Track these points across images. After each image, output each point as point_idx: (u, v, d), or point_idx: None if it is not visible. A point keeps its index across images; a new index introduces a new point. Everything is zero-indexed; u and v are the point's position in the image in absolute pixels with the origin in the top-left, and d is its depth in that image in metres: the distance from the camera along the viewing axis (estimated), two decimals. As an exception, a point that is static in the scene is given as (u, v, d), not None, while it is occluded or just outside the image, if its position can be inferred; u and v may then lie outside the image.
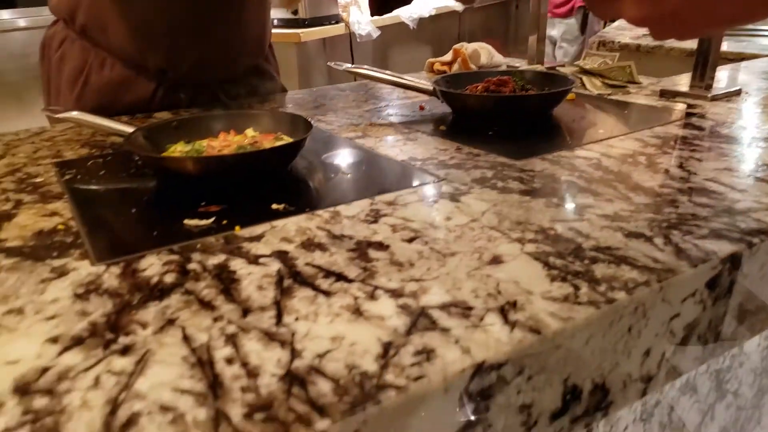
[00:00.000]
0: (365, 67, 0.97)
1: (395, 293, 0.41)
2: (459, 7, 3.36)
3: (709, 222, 0.50)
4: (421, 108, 0.96)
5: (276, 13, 2.46)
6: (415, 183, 0.62)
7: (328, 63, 1.03)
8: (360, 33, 2.57)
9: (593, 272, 0.43)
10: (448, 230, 0.51)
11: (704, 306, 0.45)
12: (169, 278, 0.43)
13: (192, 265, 0.45)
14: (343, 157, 0.73)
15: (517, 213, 0.54)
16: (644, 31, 1.84)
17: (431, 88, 0.89)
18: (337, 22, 2.56)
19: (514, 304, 0.39)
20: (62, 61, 0.99)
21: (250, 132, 0.75)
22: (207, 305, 0.40)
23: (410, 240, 0.49)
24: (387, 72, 0.95)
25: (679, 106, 0.88)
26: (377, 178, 0.66)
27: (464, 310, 0.39)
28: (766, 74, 1.12)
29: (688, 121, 0.80)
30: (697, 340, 0.46)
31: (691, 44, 1.08)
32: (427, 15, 3.04)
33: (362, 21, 2.59)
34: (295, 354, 0.34)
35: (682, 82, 1.00)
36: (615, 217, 0.52)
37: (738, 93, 0.93)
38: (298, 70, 2.42)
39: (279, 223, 0.53)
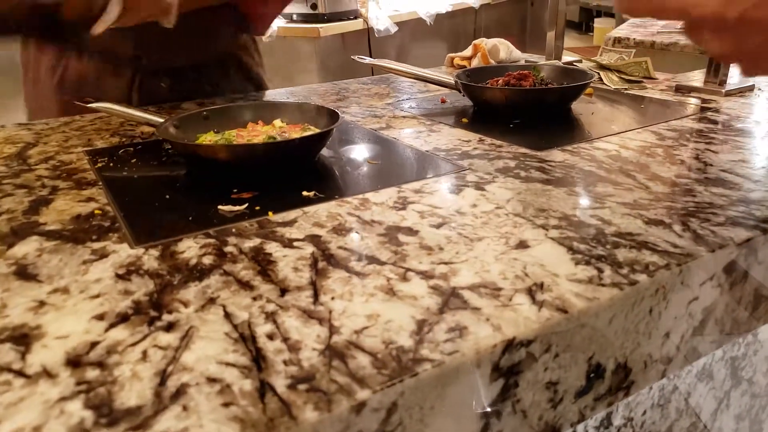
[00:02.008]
0: (387, 61, 0.99)
1: (426, 275, 0.43)
2: (475, 3, 3.37)
3: (726, 210, 0.51)
4: (443, 101, 0.97)
5: (295, 8, 2.49)
6: (441, 172, 0.65)
7: (352, 56, 1.05)
8: (378, 28, 2.58)
9: (615, 256, 0.45)
10: (475, 216, 0.53)
11: (722, 290, 0.47)
12: (208, 260, 0.46)
13: (228, 248, 0.48)
14: (369, 147, 0.75)
15: (540, 201, 0.56)
16: (659, 27, 1.84)
17: (453, 81, 0.91)
18: (355, 18, 2.58)
19: (541, 286, 0.41)
20: (40, 51, 1.01)
21: (278, 123, 0.77)
22: (246, 285, 0.42)
23: (438, 226, 0.51)
24: (409, 66, 0.97)
25: (694, 101, 0.89)
26: (403, 167, 0.68)
27: (493, 290, 0.41)
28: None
29: (703, 116, 0.81)
30: (715, 323, 0.48)
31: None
32: (444, 11, 3.05)
33: (380, 16, 2.61)
34: (333, 330, 0.37)
35: (697, 78, 1.01)
36: (635, 205, 0.54)
37: (751, 89, 0.94)
38: (318, 64, 2.45)
39: (310, 209, 0.55)
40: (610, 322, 0.41)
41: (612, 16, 6.09)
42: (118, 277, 0.45)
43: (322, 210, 0.55)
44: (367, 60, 1.01)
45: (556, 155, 0.68)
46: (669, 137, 0.73)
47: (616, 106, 0.91)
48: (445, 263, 0.45)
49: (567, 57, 1.24)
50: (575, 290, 0.40)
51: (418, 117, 0.88)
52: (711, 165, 0.63)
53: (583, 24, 7.05)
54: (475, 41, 1.21)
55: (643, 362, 0.44)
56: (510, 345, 0.36)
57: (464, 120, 0.85)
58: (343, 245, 0.48)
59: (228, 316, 0.39)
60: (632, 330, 0.42)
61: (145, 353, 0.35)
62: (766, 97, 0.90)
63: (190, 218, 0.54)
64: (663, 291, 0.43)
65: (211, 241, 0.49)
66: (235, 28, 1.08)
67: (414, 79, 0.99)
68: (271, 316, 0.38)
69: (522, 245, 0.47)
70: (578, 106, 0.90)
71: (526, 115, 0.84)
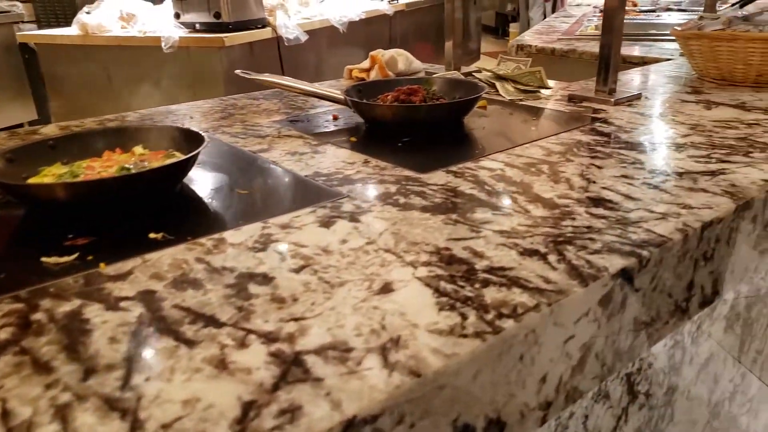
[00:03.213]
0: (273, 75, 0.93)
1: (269, 337, 0.37)
2: (389, 10, 3.35)
3: (603, 235, 0.49)
4: (335, 118, 0.92)
5: (197, 17, 2.36)
6: (316, 201, 0.59)
7: (236, 71, 0.97)
8: (288, 37, 2.50)
9: (483, 297, 0.41)
10: (342, 255, 0.48)
11: (599, 324, 0.44)
12: (4, 334, 0.38)
13: (37, 315, 0.40)
14: (242, 174, 0.69)
15: (414, 232, 0.51)
16: (559, 34, 1.88)
17: (342, 97, 0.86)
18: (263, 26, 2.49)
19: (397, 341, 0.36)
20: None
21: (138, 150, 0.69)
22: (42, 367, 0.34)
23: (299, 269, 0.46)
24: (296, 80, 0.91)
25: (585, 111, 0.89)
26: (275, 197, 0.62)
27: (343, 353, 0.35)
28: (665, 78, 1.15)
29: (592, 127, 0.81)
30: (595, 359, 0.45)
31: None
32: (356, 18, 3.01)
33: (289, 25, 2.53)
34: (136, 426, 0.30)
35: (591, 86, 1.01)
36: (512, 233, 0.50)
37: (639, 97, 0.95)
38: (224, 75, 2.33)
39: (153, 256, 0.48)
40: (475, 377, 0.36)
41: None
42: None
43: (166, 256, 0.48)
44: (251, 75, 0.94)
45: (440, 177, 0.64)
46: (556, 152, 0.71)
47: (508, 119, 0.89)
48: (296, 319, 0.39)
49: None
50: (434, 344, 0.36)
51: (305, 136, 0.83)
52: (594, 182, 0.61)
53: (500, 29, 7.26)
54: (372, 53, 1.17)
55: (518, 413, 0.40)
56: (351, 425, 0.31)
57: (353, 139, 0.80)
58: (179, 303, 0.41)
59: (5, 414, 0.31)
60: (502, 381, 0.38)
61: None
62: (652, 105, 0.91)
63: (3, 276, 0.46)
64: (534, 335, 0.39)
65: (18, 306, 0.41)
66: None
67: (302, 94, 0.93)
68: (60, 412, 0.31)
69: (386, 289, 0.42)
70: (471, 120, 0.87)
71: (415, 132, 0.80)
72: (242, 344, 0.36)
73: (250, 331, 0.38)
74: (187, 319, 0.39)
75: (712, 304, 0.58)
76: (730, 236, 0.55)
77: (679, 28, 1.10)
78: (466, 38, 4.97)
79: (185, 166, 0.62)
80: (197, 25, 2.36)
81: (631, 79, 1.11)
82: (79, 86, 2.54)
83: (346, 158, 0.72)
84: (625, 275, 0.45)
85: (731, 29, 1.04)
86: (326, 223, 0.54)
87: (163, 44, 2.25)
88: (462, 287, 0.42)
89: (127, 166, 0.63)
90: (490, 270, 0.44)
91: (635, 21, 2.05)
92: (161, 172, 0.60)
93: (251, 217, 0.56)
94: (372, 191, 0.61)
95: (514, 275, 0.43)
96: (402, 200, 0.58)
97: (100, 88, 2.52)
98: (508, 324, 0.38)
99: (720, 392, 0.91)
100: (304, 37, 2.51)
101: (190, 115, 0.98)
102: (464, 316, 0.39)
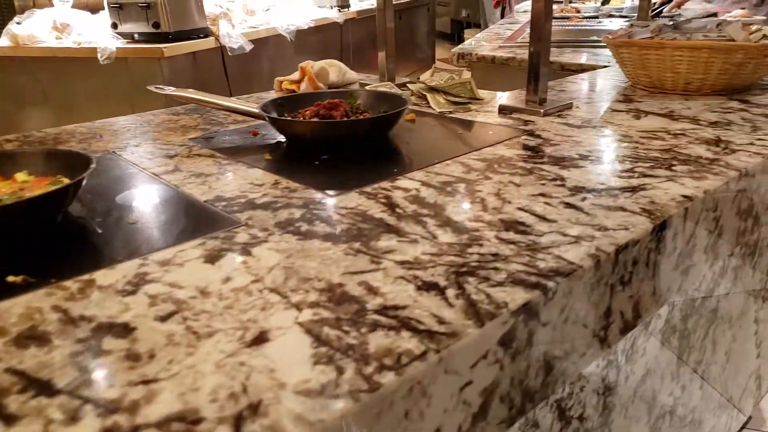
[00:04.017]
0: (187, 90, 0.87)
1: (109, 407, 0.32)
2: (339, 18, 3.31)
3: (510, 263, 0.45)
4: (255, 134, 0.87)
5: (135, 27, 2.27)
6: (208, 231, 0.54)
7: (148, 87, 0.91)
8: (231, 47, 2.43)
9: (367, 345, 0.36)
10: (220, 298, 0.42)
11: (501, 365, 0.40)
12: None
13: None
14: (137, 200, 0.63)
15: (309, 266, 0.46)
16: (501, 42, 1.87)
17: (259, 112, 0.81)
18: (206, 36, 2.41)
19: (256, 408, 0.31)
20: None
21: (21, 176, 0.62)
22: None
23: (167, 317, 0.40)
24: (211, 95, 0.86)
25: (514, 123, 0.86)
26: (165, 227, 0.56)
27: (189, 425, 0.30)
28: (600, 86, 1.14)
29: (518, 140, 0.78)
30: (500, 402, 0.41)
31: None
32: (305, 26, 2.96)
33: (233, 34, 2.46)
34: None
35: (523, 96, 0.99)
36: (414, 264, 0.46)
37: (570, 106, 0.93)
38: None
39: (4, 305, 0.42)
40: (348, 443, 0.32)
41: (478, 26, 6.35)
42: None
43: (19, 305, 0.42)
44: (166, 90, 0.88)
45: (351, 199, 0.60)
46: (476, 169, 0.67)
47: (435, 133, 0.86)
48: (147, 381, 0.34)
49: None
50: (298, 409, 0.31)
51: (217, 155, 0.77)
52: (509, 202, 0.57)
53: (455, 35, 7.32)
54: (302, 64, 1.12)
55: (409, 473, 0.36)
56: None
57: (267, 157, 0.75)
58: (15, 365, 0.35)
59: None
60: (384, 443, 0.34)
61: None
62: (581, 115, 0.89)
63: None
64: (420, 387, 0.35)
65: None
66: None
67: (218, 109, 0.88)
68: None
69: (260, 339, 0.37)
70: (398, 134, 0.83)
71: (336, 149, 0.75)
72: (73, 418, 0.31)
73: (87, 400, 0.32)
74: (17, 387, 0.33)
75: (634, 329, 0.56)
76: (648, 258, 0.52)
77: (610, 36, 1.09)
78: (418, 46, 4.98)
79: (62, 195, 0.56)
80: (136, 36, 2.27)
81: (564, 88, 1.09)
82: (11, 100, 2.41)
83: (256, 179, 0.67)
84: (529, 310, 0.41)
85: (660, 37, 1.03)
86: (213, 257, 0.49)
87: (99, 55, 2.15)
88: (347, 333, 0.38)
89: (2, 196, 0.56)
90: (382, 310, 0.40)
91: (578, 27, 2.07)
92: (35, 203, 0.54)
93: (132, 252, 0.50)
94: (275, 217, 0.56)
95: (406, 315, 0.39)
96: (304, 227, 0.54)
97: (34, 101, 2.40)
98: (387, 378, 0.33)
99: (660, 408, 0.89)
100: (248, 47, 2.44)
101: (100, 133, 0.91)
102: (341, 371, 0.34)
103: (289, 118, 0.81)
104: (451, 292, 0.42)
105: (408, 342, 0.36)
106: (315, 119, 0.78)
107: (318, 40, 3.22)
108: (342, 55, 3.52)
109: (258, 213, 0.57)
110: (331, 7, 3.40)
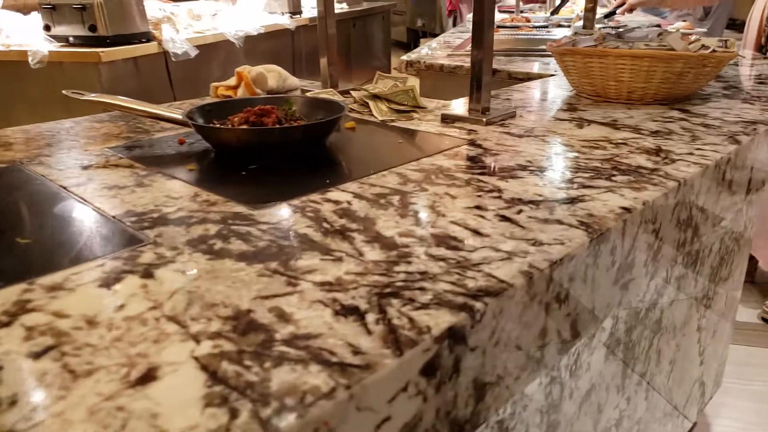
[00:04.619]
0: (107, 96, 0.81)
1: (-59, 470, 0.26)
2: (291, 24, 3.26)
3: (437, 282, 0.42)
4: (181, 142, 0.81)
5: (71, 30, 2.16)
6: (110, 251, 0.48)
7: (64, 91, 0.84)
8: (175, 52, 2.34)
9: (269, 383, 0.32)
10: (110, 328, 0.37)
11: (424, 397, 0.37)
12: None
13: None
14: (35, 216, 0.57)
15: (217, 290, 0.42)
16: (450, 50, 1.86)
17: (184, 119, 0.75)
18: (148, 41, 2.31)
19: (125, 464, 0.27)
20: None
21: None
22: None
23: (41, 353, 0.35)
24: (133, 100, 0.80)
25: (456, 133, 0.83)
26: (61, 246, 0.50)
27: (36, 490, 0.25)
28: (545, 94, 1.14)
29: (458, 150, 0.75)
30: (425, 437, 0.38)
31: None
32: (254, 32, 2.89)
33: (177, 39, 2.37)
34: None
35: (467, 104, 0.97)
36: (334, 285, 0.42)
37: (513, 115, 0.91)
38: (102, 93, 2.14)
39: None
40: (236, 502, 0.27)
41: (437, 35, 6.41)
42: None
43: None
44: (86, 96, 0.82)
45: (276, 213, 0.55)
46: (413, 180, 0.64)
47: (374, 142, 0.82)
48: (-2, 435, 0.28)
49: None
50: (176, 466, 0.26)
51: (136, 165, 0.71)
52: (443, 215, 0.54)
53: (411, 44, 7.36)
54: (239, 69, 1.07)
55: None
56: None
57: (191, 167, 0.70)
58: None
59: None
60: (284, 497, 0.29)
61: None
62: (524, 124, 0.87)
63: None
64: (327, 429, 0.31)
65: None
66: None
67: (142, 115, 0.82)
68: None
69: (147, 378, 0.32)
70: (336, 143, 0.79)
71: (266, 159, 0.70)
72: None
73: None
74: None
75: (573, 347, 0.53)
76: (586, 273, 0.50)
77: (555, 44, 1.09)
78: (373, 55, 4.98)
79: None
80: (71, 39, 2.16)
81: (509, 97, 1.08)
82: (-64, 106, 2.25)
83: (173, 191, 0.62)
84: (455, 334, 0.37)
85: (603, 45, 1.03)
86: (110, 281, 0.43)
87: (30, 59, 2.03)
88: (248, 368, 0.33)
89: None
90: (292, 340, 0.36)
91: (527, 36, 2.08)
92: None
93: (18, 275, 0.44)
94: (187, 234, 0.51)
95: (318, 346, 0.35)
96: (218, 245, 0.49)
97: (-39, 107, 2.24)
98: (287, 422, 0.29)
99: (605, 421, 0.88)
100: (193, 52, 2.36)
101: (10, 141, 0.83)
102: (234, 414, 0.30)
103: (216, 125, 0.75)
104: (371, 317, 0.38)
105: (316, 377, 0.32)
106: (244, 126, 0.73)
107: (269, 46, 3.15)
108: (294, 62, 3.47)
109: (169, 229, 0.52)
110: (283, 14, 3.34)
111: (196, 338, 0.36)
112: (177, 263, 0.46)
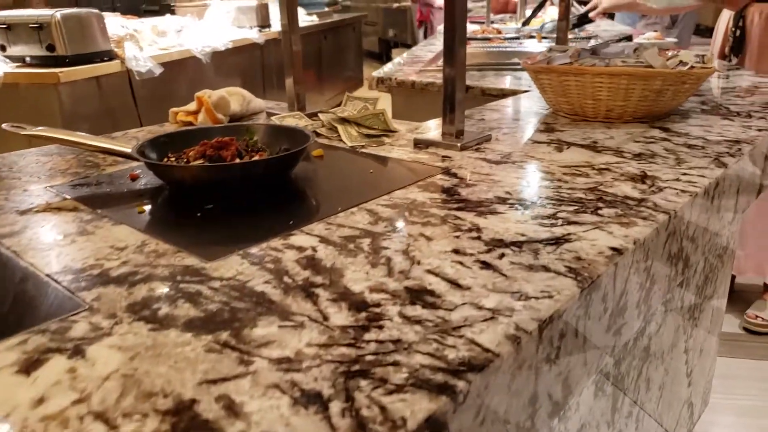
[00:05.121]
0: (47, 129, 0.74)
1: None
2: (259, 39, 3.20)
3: (413, 354, 0.36)
4: (133, 177, 0.75)
5: (27, 49, 2.06)
6: (35, 323, 0.42)
7: (3, 125, 0.77)
8: (138, 70, 2.26)
9: None
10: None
11: (402, 503, 0.31)
12: None
13: None
14: (-42, 279, 0.50)
15: (157, 372, 0.36)
16: (422, 65, 1.83)
17: (132, 153, 0.69)
18: (110, 59, 2.23)
19: None
20: None
21: None
22: None
23: (-70, 474, 0.28)
24: (74, 133, 0.73)
25: (430, 159, 0.78)
26: (-20, 318, 0.44)
27: None
28: (521, 113, 1.10)
29: (433, 180, 0.70)
30: None
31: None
32: (222, 48, 2.82)
33: (140, 57, 2.29)
34: None
35: (439, 128, 0.92)
36: (294, 362, 0.36)
37: (488, 139, 0.87)
38: (63, 116, 2.04)
39: None
40: None
41: (408, 46, 6.40)
42: None
43: None
44: (26, 131, 0.75)
45: (231, 266, 0.49)
46: (385, 218, 0.59)
47: (343, 173, 0.77)
48: None
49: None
50: None
51: (81, 207, 0.65)
52: (418, 263, 0.49)
53: (383, 54, 7.35)
54: (198, 93, 1.00)
55: None
56: None
57: (140, 209, 0.63)
58: None
59: None
60: None
61: None
62: (500, 149, 0.83)
63: None
64: None
65: None
66: None
67: (87, 149, 0.75)
68: None
69: (57, 508, 0.26)
70: (302, 174, 0.74)
71: (225, 197, 0.64)
72: None
73: None
74: None
75: (565, 407, 0.48)
76: (577, 326, 0.45)
77: (529, 61, 1.05)
78: (345, 66, 4.94)
79: None
80: (27, 59, 2.06)
81: (484, 116, 1.04)
82: None
83: (119, 240, 0.55)
84: (434, 423, 0.32)
85: (579, 62, 1.00)
86: (30, 364, 0.37)
87: (-17, 81, 1.93)
88: (184, 487, 0.27)
89: None
90: (240, 442, 0.30)
91: (499, 49, 2.06)
92: None
93: None
94: (127, 297, 0.45)
95: (271, 450, 0.29)
96: (163, 311, 0.43)
97: None
98: None
99: (596, 459, 0.83)
100: (158, 70, 2.28)
101: (-58, 181, 0.76)
102: None
103: (171, 159, 0.69)
104: (335, 407, 0.32)
105: (267, 499, 0.27)
106: (200, 161, 0.67)
107: (237, 61, 3.09)
108: (264, 77, 3.40)
109: (109, 290, 0.46)
110: (251, 27, 3.28)
111: (125, 445, 0.30)
112: (114, 336, 0.40)
